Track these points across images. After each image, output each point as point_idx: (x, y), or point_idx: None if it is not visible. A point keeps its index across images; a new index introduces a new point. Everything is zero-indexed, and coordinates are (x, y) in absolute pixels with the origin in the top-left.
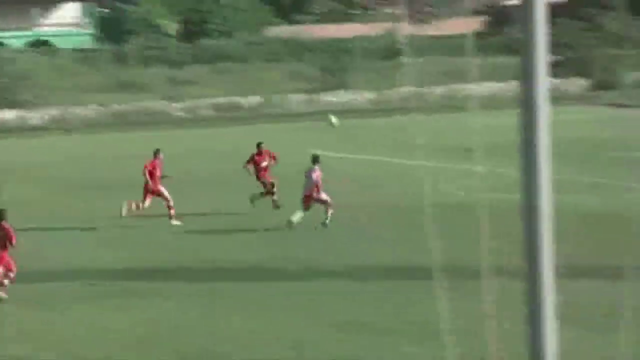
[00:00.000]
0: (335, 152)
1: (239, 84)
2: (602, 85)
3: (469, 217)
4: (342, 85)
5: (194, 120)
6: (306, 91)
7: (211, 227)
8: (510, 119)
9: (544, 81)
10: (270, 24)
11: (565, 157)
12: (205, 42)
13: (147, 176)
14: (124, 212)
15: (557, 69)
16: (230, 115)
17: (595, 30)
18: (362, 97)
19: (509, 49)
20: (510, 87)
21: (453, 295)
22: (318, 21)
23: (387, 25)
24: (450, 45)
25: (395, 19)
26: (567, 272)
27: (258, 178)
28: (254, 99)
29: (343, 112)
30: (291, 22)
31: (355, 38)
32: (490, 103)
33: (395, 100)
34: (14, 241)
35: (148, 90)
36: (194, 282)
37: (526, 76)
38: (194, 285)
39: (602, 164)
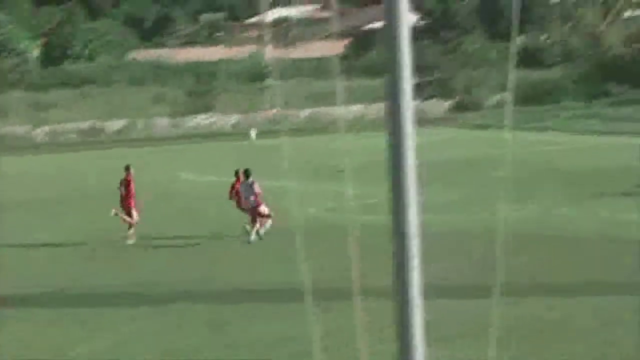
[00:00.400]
0: (201, 175)
1: (103, 108)
2: (464, 107)
3: (341, 238)
4: (207, 108)
5: (57, 145)
6: (171, 114)
7: (82, 252)
8: (376, 140)
9: (409, 103)
10: (134, 47)
11: (431, 178)
12: (68, 66)
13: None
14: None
15: (420, 91)
16: (94, 140)
17: (455, 52)
18: (227, 119)
19: (373, 71)
20: (375, 109)
21: (325, 315)
22: (183, 44)
23: (253, 48)
24: (316, 68)
25: (261, 41)
26: (436, 290)
27: (239, 205)
28: (118, 123)
29: (209, 135)
30: (155, 45)
31: (220, 61)
32: (356, 125)
33: (262, 122)
34: None
35: (9, 115)
36: (55, 307)
37: (392, 98)
38: (54, 310)
39: (468, 184)
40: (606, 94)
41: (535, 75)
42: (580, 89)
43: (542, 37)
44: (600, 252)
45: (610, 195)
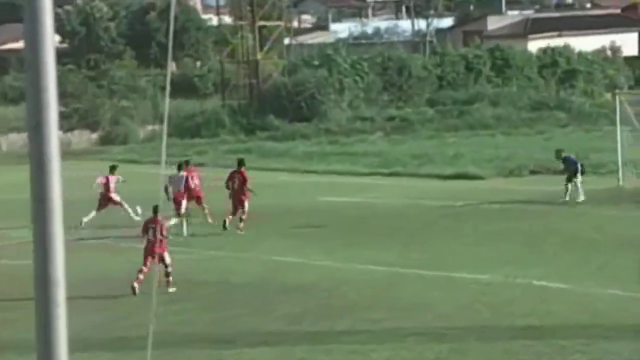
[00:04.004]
0: None
1: None
2: (112, 139)
3: None
4: None
5: None
6: None
7: None
8: (14, 175)
9: (54, 134)
10: None
11: (67, 217)
12: None
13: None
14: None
15: (63, 121)
16: None
17: (102, 79)
18: None
19: (8, 98)
20: (12, 139)
21: None
22: None
23: None
24: None
25: None
26: (82, 343)
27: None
28: None
29: None
30: None
31: None
32: None
33: None
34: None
35: None
36: None
37: (35, 129)
38: None
39: (109, 225)
40: (265, 127)
41: (190, 105)
42: (237, 121)
43: (197, 64)
44: (259, 299)
45: (269, 236)
